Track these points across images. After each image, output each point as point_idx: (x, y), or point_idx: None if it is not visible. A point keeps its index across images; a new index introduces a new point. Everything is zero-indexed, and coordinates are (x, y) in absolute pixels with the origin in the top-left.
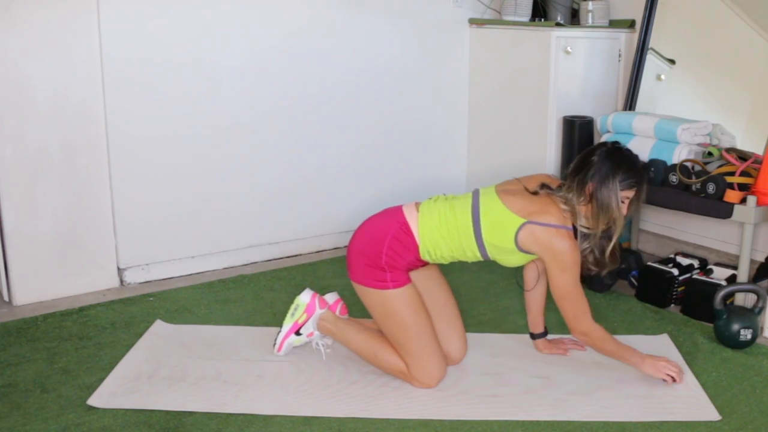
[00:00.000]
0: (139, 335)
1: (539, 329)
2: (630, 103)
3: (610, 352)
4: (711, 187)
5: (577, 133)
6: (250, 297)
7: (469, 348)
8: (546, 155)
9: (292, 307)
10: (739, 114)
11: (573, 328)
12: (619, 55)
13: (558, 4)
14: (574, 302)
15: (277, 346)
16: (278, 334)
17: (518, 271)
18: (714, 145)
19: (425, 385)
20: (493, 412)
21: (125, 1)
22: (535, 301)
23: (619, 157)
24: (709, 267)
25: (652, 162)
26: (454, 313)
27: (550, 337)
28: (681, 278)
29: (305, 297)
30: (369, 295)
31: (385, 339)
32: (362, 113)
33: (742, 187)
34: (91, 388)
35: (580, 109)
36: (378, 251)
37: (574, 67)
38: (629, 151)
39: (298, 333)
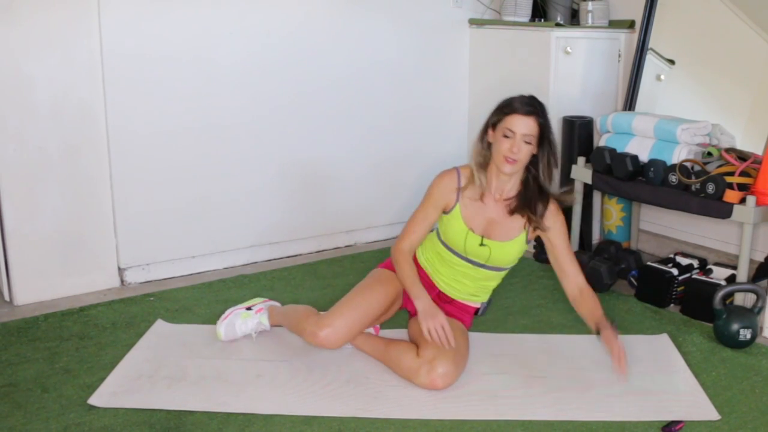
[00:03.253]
0: (140, 335)
1: (594, 329)
2: (630, 103)
3: (399, 277)
4: (710, 187)
5: (577, 133)
6: (250, 297)
7: (469, 348)
8: None
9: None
10: (739, 114)
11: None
12: (619, 56)
13: (558, 5)
14: (407, 223)
15: (223, 315)
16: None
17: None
18: (714, 145)
19: (315, 333)
20: (493, 412)
21: (126, 1)
22: (582, 314)
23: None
24: (708, 267)
25: (652, 162)
26: (460, 343)
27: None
28: (681, 278)
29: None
30: None
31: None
32: (362, 114)
33: (742, 187)
34: (92, 388)
35: (580, 109)
36: None
37: (574, 68)
38: (519, 95)
39: (249, 309)
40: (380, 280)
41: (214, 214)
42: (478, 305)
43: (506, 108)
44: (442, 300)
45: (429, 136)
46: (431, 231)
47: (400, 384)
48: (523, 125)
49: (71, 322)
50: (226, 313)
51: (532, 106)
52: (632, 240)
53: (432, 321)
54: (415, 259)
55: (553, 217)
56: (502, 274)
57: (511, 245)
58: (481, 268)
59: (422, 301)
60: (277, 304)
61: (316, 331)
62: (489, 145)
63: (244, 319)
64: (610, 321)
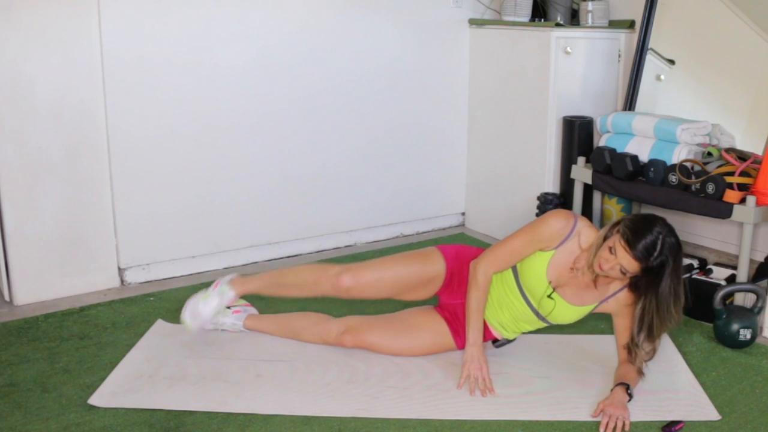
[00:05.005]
0: (140, 335)
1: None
2: (630, 103)
3: (467, 303)
4: (710, 187)
5: (577, 134)
6: (250, 297)
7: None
8: (546, 155)
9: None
10: (739, 114)
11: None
12: (619, 56)
13: (558, 5)
14: (496, 246)
15: (184, 307)
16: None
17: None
18: (713, 145)
19: (339, 275)
20: (493, 412)
21: (126, 1)
22: (615, 374)
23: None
24: (708, 267)
25: (652, 162)
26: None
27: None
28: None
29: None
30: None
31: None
32: (362, 113)
33: (742, 187)
34: (92, 388)
35: (580, 109)
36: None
37: (574, 68)
38: (659, 225)
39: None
40: (424, 257)
41: (214, 214)
42: (500, 337)
43: (630, 234)
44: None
45: (429, 136)
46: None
47: (400, 384)
48: (625, 260)
49: (71, 322)
50: (186, 304)
51: (647, 254)
52: None
53: (476, 368)
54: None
55: (626, 304)
56: (538, 323)
57: (574, 310)
58: (533, 312)
59: (476, 348)
60: (234, 275)
61: (341, 273)
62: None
63: (204, 300)
64: (629, 393)
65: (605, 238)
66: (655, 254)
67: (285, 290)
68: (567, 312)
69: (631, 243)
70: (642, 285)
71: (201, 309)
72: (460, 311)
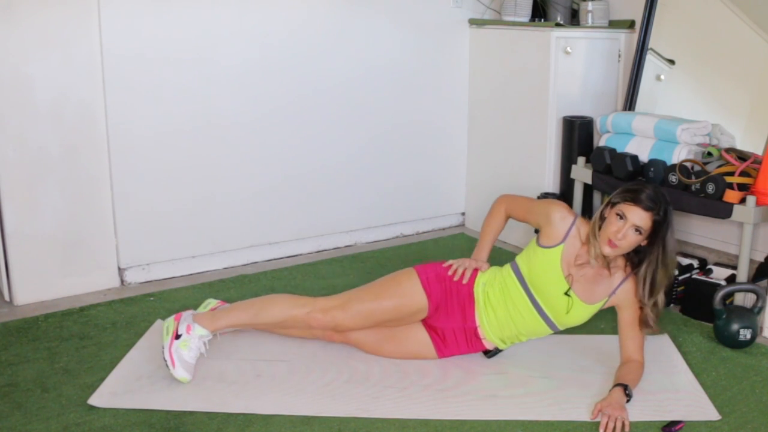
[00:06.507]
0: (140, 335)
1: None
2: (630, 104)
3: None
4: (710, 187)
5: (577, 133)
6: (250, 297)
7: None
8: (546, 155)
9: (164, 327)
10: (739, 114)
11: None
12: (619, 56)
13: (558, 5)
14: (518, 196)
15: (169, 362)
16: (163, 353)
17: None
18: (713, 145)
19: (318, 318)
20: (493, 412)
21: (126, 1)
22: (616, 374)
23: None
24: (708, 267)
25: (652, 162)
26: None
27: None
28: (680, 278)
29: (170, 317)
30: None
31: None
32: (362, 113)
33: (742, 187)
34: (92, 388)
35: (580, 109)
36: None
37: (574, 68)
38: (651, 186)
39: (178, 337)
40: (402, 293)
41: (214, 214)
42: (492, 348)
43: (630, 195)
44: (470, 334)
45: (429, 136)
46: (504, 267)
47: (399, 384)
48: (637, 216)
49: (71, 322)
50: (167, 358)
51: (654, 203)
52: None
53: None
54: (471, 289)
55: (630, 296)
56: (543, 332)
57: (586, 309)
58: (545, 321)
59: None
60: (191, 311)
61: (320, 317)
62: (605, 219)
63: (186, 348)
64: (628, 393)
65: (602, 219)
66: (660, 201)
67: (260, 327)
68: (581, 312)
69: (636, 199)
70: (648, 244)
71: (186, 358)
72: (449, 334)
